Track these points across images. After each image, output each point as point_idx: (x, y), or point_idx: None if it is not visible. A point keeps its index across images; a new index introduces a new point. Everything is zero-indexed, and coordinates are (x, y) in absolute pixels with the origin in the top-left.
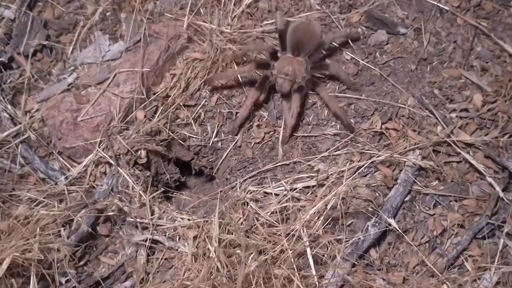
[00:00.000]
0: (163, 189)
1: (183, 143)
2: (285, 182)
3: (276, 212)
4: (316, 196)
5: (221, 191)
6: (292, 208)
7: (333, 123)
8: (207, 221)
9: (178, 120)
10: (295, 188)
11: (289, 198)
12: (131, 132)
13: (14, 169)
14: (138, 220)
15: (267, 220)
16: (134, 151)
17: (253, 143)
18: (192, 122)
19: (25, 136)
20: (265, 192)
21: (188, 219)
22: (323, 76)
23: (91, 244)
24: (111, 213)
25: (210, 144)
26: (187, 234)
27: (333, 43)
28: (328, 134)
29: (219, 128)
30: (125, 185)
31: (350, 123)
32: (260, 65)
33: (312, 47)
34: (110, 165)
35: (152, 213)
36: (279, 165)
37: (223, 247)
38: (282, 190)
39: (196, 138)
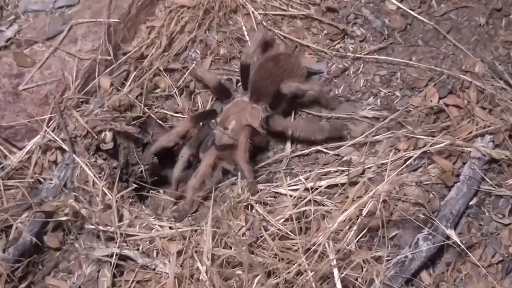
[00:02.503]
0: (136, 185)
1: (163, 123)
2: (304, 178)
3: (292, 219)
4: (347, 197)
5: (215, 189)
6: (313, 214)
7: (371, 97)
8: (196, 230)
9: (157, 91)
10: (318, 187)
11: (309, 201)
12: (92, 107)
13: None
14: (100, 227)
15: (279, 229)
16: (96, 132)
17: None
18: (177, 93)
19: None
20: (277, 192)
21: (170, 227)
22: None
23: (36, 259)
24: (63, 218)
25: (201, 125)
26: (169, 248)
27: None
28: (364, 112)
29: (213, 102)
30: (83, 179)
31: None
32: (198, 120)
33: (272, 92)
34: (63, 151)
35: (121, 218)
36: (296, 155)
37: (218, 266)
38: (300, 189)
39: (182, 116)
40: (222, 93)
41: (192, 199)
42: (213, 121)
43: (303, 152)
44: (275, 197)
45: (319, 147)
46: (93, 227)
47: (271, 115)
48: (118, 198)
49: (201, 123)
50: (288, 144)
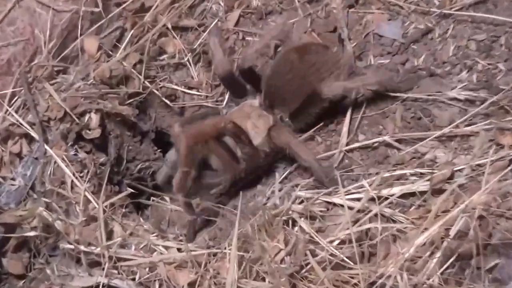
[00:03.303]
0: (131, 190)
1: (170, 102)
2: (368, 183)
3: (350, 241)
4: (429, 212)
5: (243, 197)
6: (381, 233)
7: (465, 71)
8: (215, 254)
9: (164, 57)
10: (388, 196)
11: (375, 215)
12: (72, 79)
13: None
14: (82, 248)
15: (332, 255)
16: (77, 115)
17: None
18: (191, 61)
19: None
20: (329, 202)
21: (179, 250)
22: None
23: None
24: (30, 233)
25: (223, 105)
26: (177, 279)
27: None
28: (454, 93)
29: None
30: (58, 179)
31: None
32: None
33: (294, 96)
34: (31, 140)
35: (110, 235)
36: (356, 148)
37: None
38: (362, 198)
39: (196, 93)
40: (232, 88)
41: (185, 201)
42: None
43: (365, 143)
44: (327, 209)
45: (388, 138)
46: (71, 246)
47: (277, 127)
48: (106, 206)
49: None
50: (345, 130)
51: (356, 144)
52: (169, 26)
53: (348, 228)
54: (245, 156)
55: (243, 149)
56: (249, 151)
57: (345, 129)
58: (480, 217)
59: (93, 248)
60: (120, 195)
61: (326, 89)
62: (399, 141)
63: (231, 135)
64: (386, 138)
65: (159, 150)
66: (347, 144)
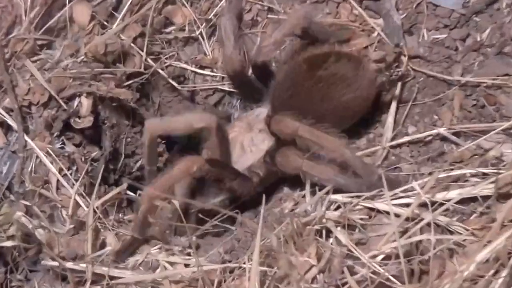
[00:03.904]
0: (129, 193)
1: (178, 85)
2: (419, 185)
3: (398, 256)
4: (493, 221)
5: (266, 202)
6: (434, 247)
7: None
8: (231, 270)
9: (170, 29)
10: (444, 202)
11: (427, 225)
12: (58, 55)
13: None
14: (68, 264)
15: (374, 272)
16: (64, 99)
17: None
18: (204, 35)
19: None
20: (372, 208)
21: (187, 265)
22: None
23: None
24: (6, 244)
25: (236, 106)
26: None
27: None
28: None
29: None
30: (41, 178)
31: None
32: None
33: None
34: (7, 130)
35: (102, 247)
36: (405, 142)
37: None
38: (412, 204)
39: (210, 74)
40: (244, 90)
41: (145, 211)
42: None
43: (416, 136)
44: (369, 217)
45: (443, 131)
46: (55, 264)
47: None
48: (98, 207)
49: None
50: (390, 120)
51: (405, 139)
52: None
53: (394, 240)
54: (233, 187)
55: (229, 182)
56: (237, 182)
57: (390, 119)
58: None
59: (82, 263)
60: (114, 191)
61: None
62: (457, 134)
63: (210, 176)
64: (442, 130)
65: (163, 142)
66: (393, 138)
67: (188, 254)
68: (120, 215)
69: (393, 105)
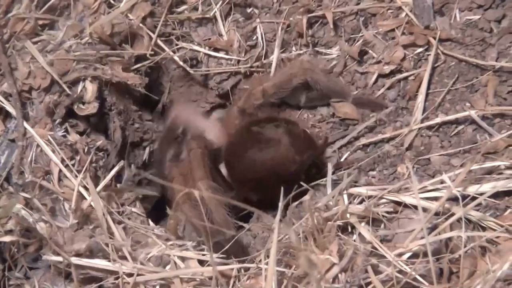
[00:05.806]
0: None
1: (191, 69)
2: (449, 177)
3: (426, 255)
4: None
5: (284, 195)
6: (465, 244)
7: None
8: (247, 269)
9: (182, 8)
10: (477, 195)
11: (458, 220)
12: (61, 35)
13: None
14: (72, 259)
15: (401, 271)
16: (68, 83)
17: None
18: (219, 14)
19: None
20: (398, 202)
21: (201, 262)
22: None
23: None
24: (4, 239)
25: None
26: None
27: None
28: None
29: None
30: (42, 169)
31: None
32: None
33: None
34: (6, 116)
35: None
36: (434, 126)
37: None
38: (442, 197)
39: (225, 57)
40: None
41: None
42: None
43: (446, 119)
44: (396, 212)
45: (474, 114)
46: (58, 259)
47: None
48: (102, 196)
49: None
50: (420, 106)
51: (434, 121)
52: None
53: (422, 237)
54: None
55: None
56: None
57: (420, 105)
58: None
59: (88, 259)
60: (113, 171)
61: None
62: (491, 123)
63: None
64: (473, 113)
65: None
66: (422, 122)
67: (202, 250)
68: (128, 207)
69: (422, 91)
